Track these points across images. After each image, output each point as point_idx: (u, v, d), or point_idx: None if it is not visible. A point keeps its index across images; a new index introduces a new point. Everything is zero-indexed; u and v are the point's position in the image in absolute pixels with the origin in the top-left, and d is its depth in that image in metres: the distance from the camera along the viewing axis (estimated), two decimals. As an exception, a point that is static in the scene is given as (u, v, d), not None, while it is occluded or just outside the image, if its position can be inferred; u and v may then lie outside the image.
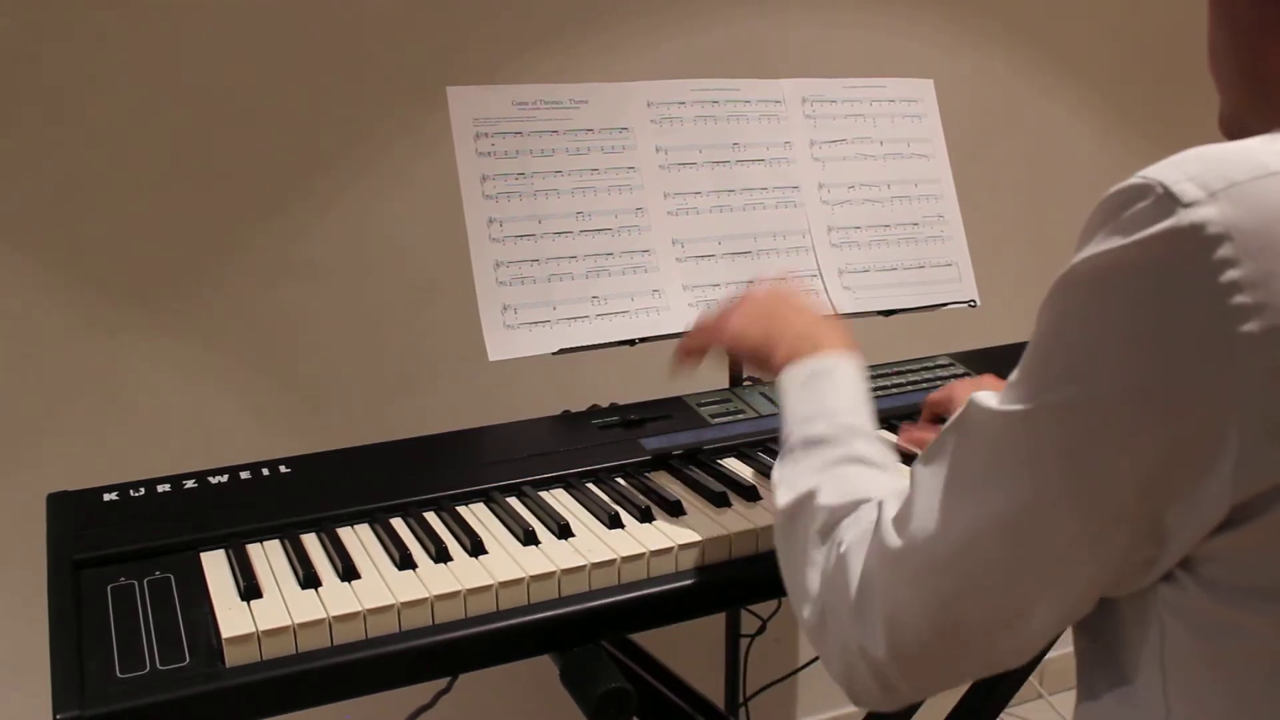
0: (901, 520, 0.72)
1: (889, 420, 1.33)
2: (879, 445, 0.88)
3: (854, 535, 0.76)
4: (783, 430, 0.91)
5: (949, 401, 1.25)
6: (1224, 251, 0.57)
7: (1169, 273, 0.59)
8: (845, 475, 0.83)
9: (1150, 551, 0.64)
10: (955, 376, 1.45)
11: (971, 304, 1.54)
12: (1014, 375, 0.69)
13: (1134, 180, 0.62)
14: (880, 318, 1.49)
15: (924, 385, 1.42)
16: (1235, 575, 0.62)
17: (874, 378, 1.44)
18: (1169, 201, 0.59)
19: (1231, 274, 0.57)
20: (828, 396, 0.90)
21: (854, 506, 0.80)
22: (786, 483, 0.86)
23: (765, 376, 1.00)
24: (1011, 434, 0.67)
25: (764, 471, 1.19)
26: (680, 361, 1.12)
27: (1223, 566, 0.62)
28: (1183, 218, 0.58)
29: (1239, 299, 0.57)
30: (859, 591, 0.73)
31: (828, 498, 0.81)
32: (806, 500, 0.83)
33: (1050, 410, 0.64)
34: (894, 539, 0.72)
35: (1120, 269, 0.61)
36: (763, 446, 1.26)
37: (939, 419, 1.30)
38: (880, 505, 0.76)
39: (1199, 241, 0.58)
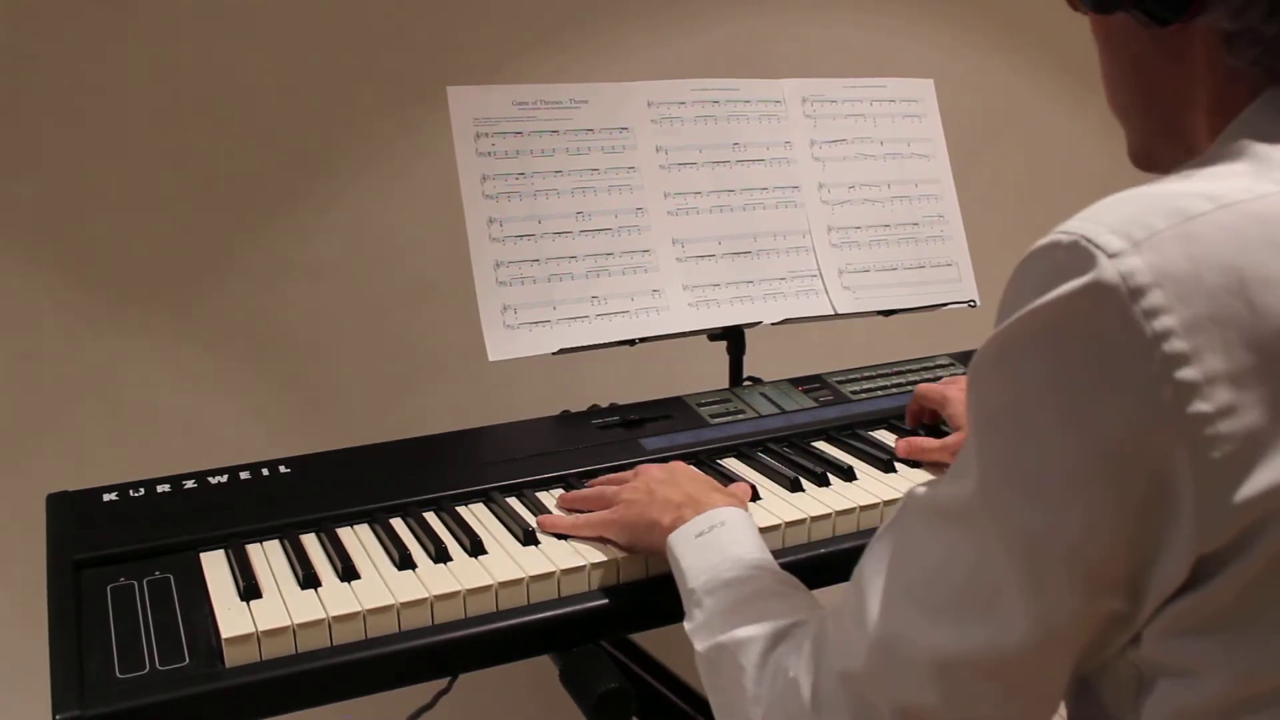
0: (853, 635, 0.70)
1: (889, 420, 1.33)
2: (788, 578, 0.87)
3: (797, 659, 0.74)
4: (683, 587, 0.90)
5: (941, 399, 1.24)
6: (1153, 300, 0.56)
7: (1100, 325, 0.57)
8: (766, 606, 0.82)
9: (1125, 617, 0.62)
10: (955, 377, 1.45)
11: (971, 304, 1.54)
12: (955, 466, 0.67)
13: (1053, 237, 0.60)
14: (880, 318, 1.49)
15: (924, 385, 1.42)
16: (1208, 626, 0.60)
17: (874, 378, 1.44)
18: (1092, 254, 0.58)
19: (1164, 321, 0.56)
20: (725, 546, 0.90)
21: (786, 632, 0.78)
22: (703, 629, 0.85)
23: (654, 551, 0.98)
24: (964, 529, 0.65)
25: (764, 471, 1.19)
26: (549, 529, 1.06)
27: (1194, 620, 0.61)
28: (1107, 270, 0.57)
29: (1174, 346, 0.56)
30: (814, 710, 0.71)
31: (753, 630, 0.79)
32: (729, 639, 0.81)
33: (1003, 492, 0.62)
34: (847, 657, 0.70)
35: (1053, 328, 0.59)
36: (763, 446, 1.26)
37: (931, 427, 1.30)
38: (821, 622, 0.74)
39: (1129, 291, 0.56)
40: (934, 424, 1.30)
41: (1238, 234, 0.58)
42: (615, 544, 1.02)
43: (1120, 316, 0.57)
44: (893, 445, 1.24)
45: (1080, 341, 0.58)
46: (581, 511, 1.08)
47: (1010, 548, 0.62)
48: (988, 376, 0.64)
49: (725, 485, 1.14)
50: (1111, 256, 0.57)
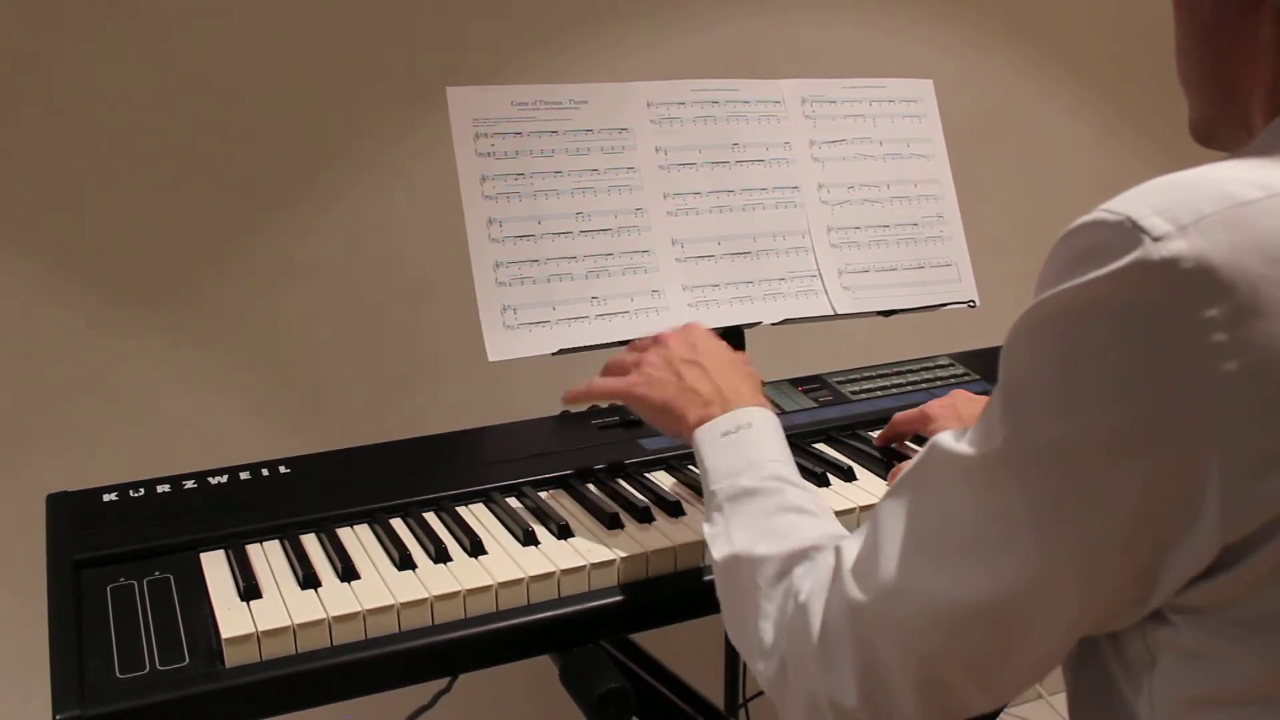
0: (865, 572, 0.70)
1: (888, 421, 1.33)
2: (810, 494, 0.86)
3: (812, 584, 0.74)
4: (706, 488, 0.89)
5: (922, 418, 1.22)
6: (1199, 287, 0.56)
7: (1144, 309, 0.57)
8: (785, 524, 0.81)
9: (1138, 593, 0.63)
10: (955, 377, 1.45)
11: (971, 304, 1.54)
12: (981, 422, 0.66)
13: (1098, 214, 0.60)
14: (880, 318, 1.49)
15: (924, 385, 1.42)
16: (1227, 612, 0.61)
17: (874, 378, 1.44)
18: (1137, 235, 0.57)
19: (1209, 311, 0.56)
20: (749, 449, 0.89)
21: (803, 554, 0.78)
22: (721, 537, 0.84)
23: (675, 437, 0.97)
24: (985, 483, 0.65)
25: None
26: (570, 399, 1.07)
27: (1214, 604, 0.61)
28: (1153, 251, 0.56)
29: (1218, 336, 0.56)
30: (822, 641, 0.71)
31: (771, 547, 0.79)
32: (746, 552, 0.81)
33: (1030, 455, 0.62)
34: (857, 592, 0.70)
35: (1094, 305, 0.59)
36: (762, 446, 1.26)
37: (919, 439, 1.28)
38: (838, 551, 0.74)
39: (1173, 277, 0.56)
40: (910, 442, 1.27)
41: None
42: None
43: (1163, 301, 0.56)
44: (892, 449, 1.24)
45: (1121, 322, 0.58)
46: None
47: (1029, 506, 0.62)
48: (1024, 344, 0.63)
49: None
50: (1157, 240, 0.56)
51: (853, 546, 0.73)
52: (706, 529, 0.87)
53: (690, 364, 0.99)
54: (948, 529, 0.66)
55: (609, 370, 1.07)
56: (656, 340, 1.04)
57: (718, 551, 0.84)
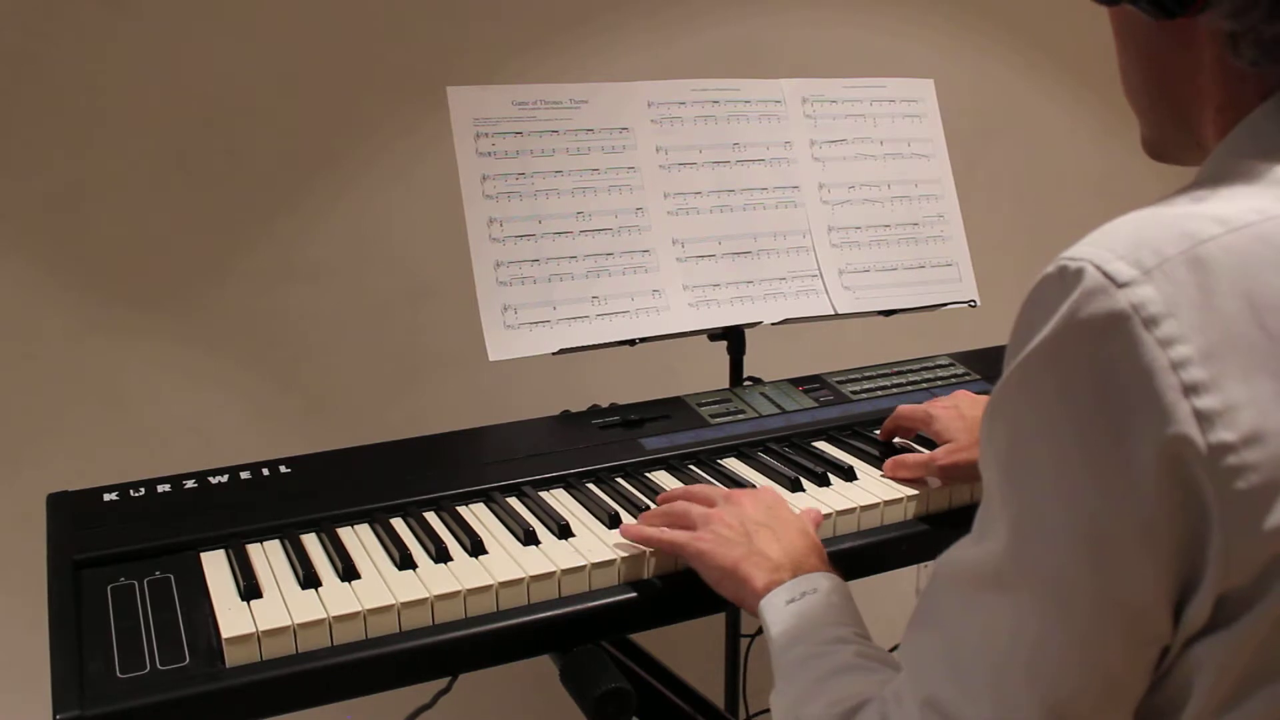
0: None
1: (889, 420, 1.33)
2: (872, 648, 0.84)
3: None
4: (773, 654, 0.88)
5: (925, 417, 1.19)
6: (1168, 329, 0.55)
7: (1116, 357, 0.56)
8: (837, 685, 0.79)
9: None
10: (955, 376, 1.45)
11: (971, 304, 1.54)
12: (979, 523, 0.65)
13: (1059, 264, 0.59)
14: (880, 318, 1.49)
15: (924, 385, 1.42)
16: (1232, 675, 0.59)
17: (874, 377, 1.44)
18: (1102, 283, 0.57)
19: (1180, 350, 0.55)
20: (813, 615, 0.87)
21: (854, 712, 0.75)
22: (781, 708, 0.83)
23: (737, 602, 0.94)
24: (998, 602, 0.63)
25: (764, 471, 1.19)
26: (631, 539, 1.02)
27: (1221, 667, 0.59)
28: (1119, 299, 0.56)
29: (1192, 374, 0.55)
30: None
31: (826, 710, 0.77)
32: (801, 715, 0.79)
33: (1032, 560, 0.61)
34: None
35: (1063, 362, 0.58)
36: (763, 446, 1.26)
37: (919, 439, 1.26)
38: (883, 701, 0.71)
39: (1141, 321, 0.56)
40: (909, 439, 1.26)
41: (1248, 258, 0.57)
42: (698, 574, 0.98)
43: (1136, 347, 0.56)
44: (893, 445, 1.24)
45: (1097, 374, 0.57)
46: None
47: (1050, 605, 0.60)
48: (1003, 418, 0.63)
49: (730, 483, 1.15)
50: (1122, 286, 0.56)
51: (895, 695, 0.70)
52: (772, 697, 0.86)
53: (761, 527, 0.97)
54: (979, 654, 0.64)
55: (672, 517, 1.03)
56: (728, 498, 1.02)
57: (780, 716, 0.83)
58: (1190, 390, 0.55)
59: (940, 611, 0.68)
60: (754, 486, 1.13)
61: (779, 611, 0.89)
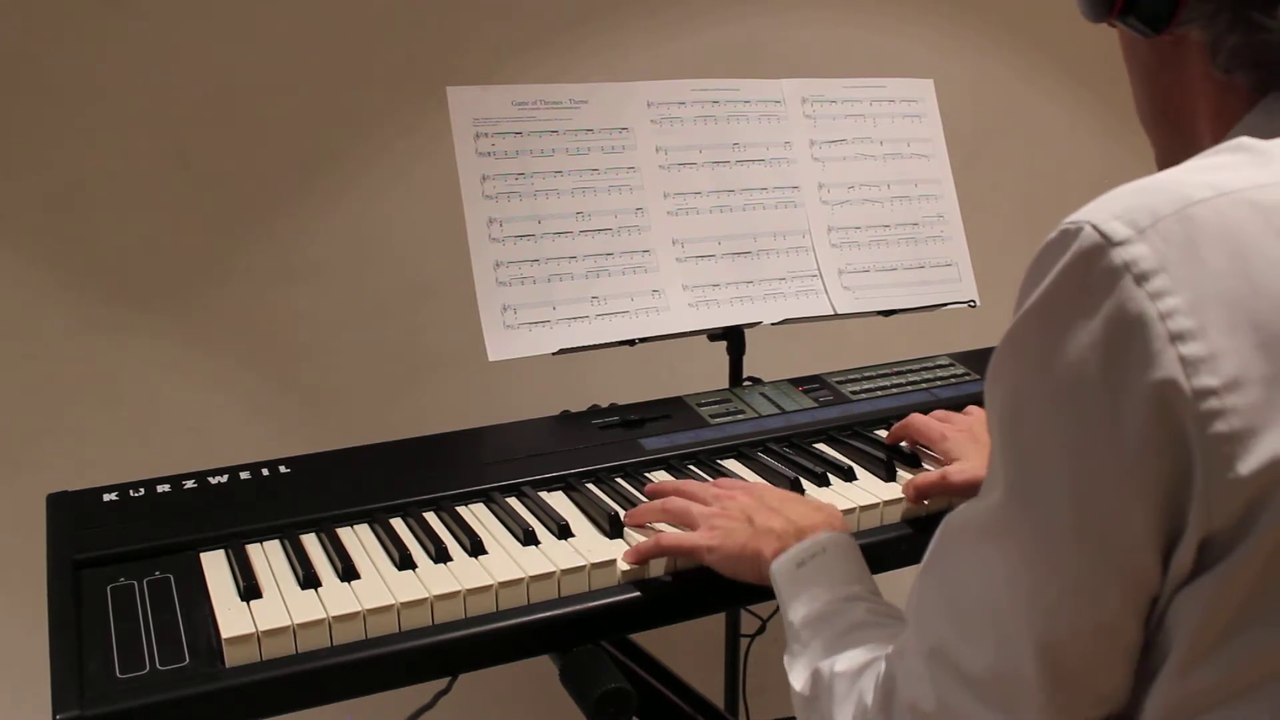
0: (914, 672, 0.71)
1: (889, 421, 1.32)
2: (883, 604, 0.88)
3: (874, 695, 0.75)
4: (785, 618, 0.90)
5: (941, 438, 1.17)
6: (1158, 283, 0.59)
7: (1109, 310, 0.60)
8: (853, 641, 0.82)
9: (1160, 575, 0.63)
10: (955, 377, 1.45)
11: (971, 304, 1.54)
12: (984, 482, 0.69)
13: (1062, 226, 0.63)
14: (880, 318, 1.49)
15: (924, 385, 1.42)
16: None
17: (874, 378, 1.44)
18: (1099, 241, 0.60)
19: (1169, 301, 0.58)
20: (823, 575, 0.90)
21: (867, 666, 0.78)
22: (799, 668, 0.86)
23: (758, 581, 0.96)
24: (1000, 549, 0.66)
25: (764, 472, 1.19)
26: (637, 559, 1.01)
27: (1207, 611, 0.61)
28: (1114, 256, 0.60)
29: (1179, 323, 0.58)
30: None
31: (844, 663, 0.80)
32: (821, 670, 0.82)
33: (1030, 507, 0.64)
34: (914, 694, 0.71)
35: (1060, 316, 0.61)
36: (763, 447, 1.26)
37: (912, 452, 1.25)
38: (890, 657, 0.75)
39: (1134, 277, 0.59)
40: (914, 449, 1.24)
41: (1238, 218, 0.60)
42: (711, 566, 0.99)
43: (1128, 301, 0.59)
44: (899, 449, 1.23)
45: (1090, 326, 0.60)
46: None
47: (1044, 551, 0.64)
48: (1003, 372, 0.66)
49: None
50: (1117, 244, 0.60)
51: (900, 649, 0.74)
52: (786, 659, 0.88)
53: (760, 508, 1.00)
54: (981, 602, 0.67)
55: (672, 515, 1.05)
56: (719, 497, 1.04)
57: (797, 679, 0.85)
58: (1177, 338, 0.58)
59: (944, 564, 0.72)
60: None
61: (789, 576, 0.92)
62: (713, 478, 1.17)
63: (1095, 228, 0.61)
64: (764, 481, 1.10)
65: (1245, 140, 0.65)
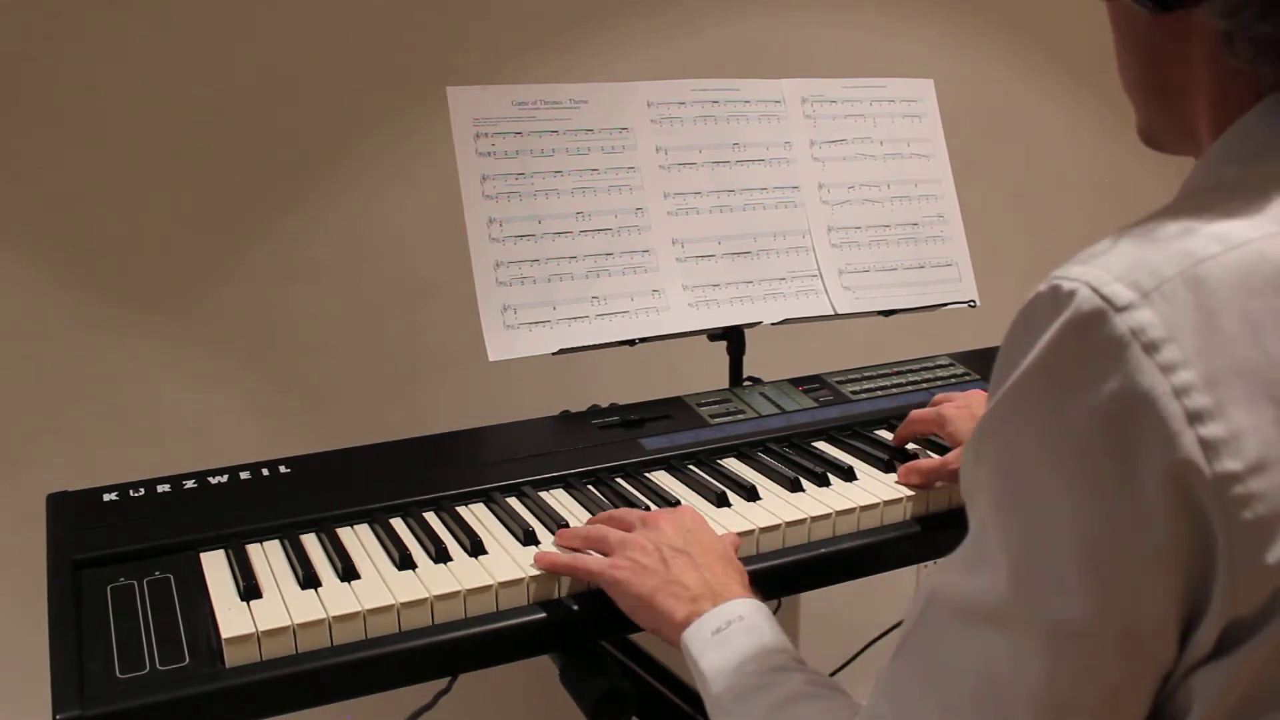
0: None
1: (889, 420, 1.33)
2: (815, 675, 0.81)
3: None
4: (704, 690, 0.84)
5: (938, 419, 1.18)
6: (1169, 354, 0.54)
7: (1116, 384, 0.54)
8: (792, 715, 0.76)
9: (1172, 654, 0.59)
10: (955, 376, 1.45)
11: (971, 304, 1.54)
12: (972, 553, 0.63)
13: (1052, 283, 0.57)
14: (880, 318, 1.49)
15: (924, 385, 1.42)
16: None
17: (874, 378, 1.44)
18: (1100, 306, 0.55)
19: (1183, 376, 0.54)
20: (744, 643, 0.84)
21: None
22: None
23: (652, 631, 0.91)
24: (998, 636, 0.60)
25: (764, 471, 1.19)
26: (545, 568, 0.98)
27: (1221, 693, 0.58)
28: (1118, 324, 0.54)
29: (1195, 401, 0.54)
30: None
31: None
32: None
33: (1034, 596, 0.58)
34: None
35: (1060, 389, 0.56)
36: (763, 446, 1.26)
37: (929, 443, 1.25)
38: None
39: (1142, 347, 0.54)
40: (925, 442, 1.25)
41: (1249, 276, 0.55)
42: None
43: (1138, 374, 0.54)
44: (906, 450, 1.23)
45: (1098, 402, 0.55)
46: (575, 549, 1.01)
47: (1057, 644, 0.58)
48: (997, 447, 0.60)
49: (729, 482, 1.14)
50: (1121, 310, 0.54)
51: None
52: None
53: (679, 554, 0.93)
54: (980, 690, 0.61)
55: (590, 541, 1.00)
56: (645, 521, 0.99)
57: None
58: (1194, 418, 0.54)
59: (932, 644, 0.64)
60: (745, 488, 1.13)
61: (705, 642, 0.85)
62: (712, 478, 1.17)
63: (1095, 290, 0.55)
64: (693, 509, 1.04)
65: (1250, 172, 0.61)
